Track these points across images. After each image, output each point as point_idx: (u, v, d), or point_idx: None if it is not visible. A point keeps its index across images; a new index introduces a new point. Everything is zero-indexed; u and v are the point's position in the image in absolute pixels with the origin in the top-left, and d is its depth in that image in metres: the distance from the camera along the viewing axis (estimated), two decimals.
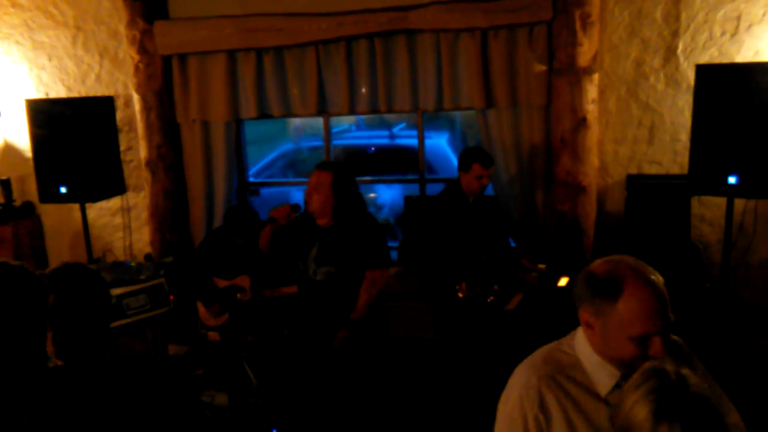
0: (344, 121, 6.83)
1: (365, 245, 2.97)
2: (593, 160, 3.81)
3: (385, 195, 6.03)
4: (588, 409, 1.46)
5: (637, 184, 3.77)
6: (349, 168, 3.17)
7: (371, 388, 3.11)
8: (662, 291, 1.41)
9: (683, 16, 3.61)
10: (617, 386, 1.45)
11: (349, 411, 3.05)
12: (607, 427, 1.35)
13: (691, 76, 3.56)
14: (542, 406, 1.47)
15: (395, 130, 6.71)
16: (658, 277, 1.43)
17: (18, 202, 4.54)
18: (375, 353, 3.09)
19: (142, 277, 3.60)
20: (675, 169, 3.82)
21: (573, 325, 3.27)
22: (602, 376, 1.48)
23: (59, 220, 4.63)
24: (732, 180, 3.09)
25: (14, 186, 4.50)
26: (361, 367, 3.04)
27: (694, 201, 3.76)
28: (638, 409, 1.15)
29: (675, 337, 1.60)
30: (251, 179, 4.77)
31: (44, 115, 3.80)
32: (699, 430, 1.09)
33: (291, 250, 3.14)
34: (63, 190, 3.82)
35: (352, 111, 4.13)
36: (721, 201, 3.44)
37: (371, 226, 3.06)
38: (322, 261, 2.97)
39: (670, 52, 3.68)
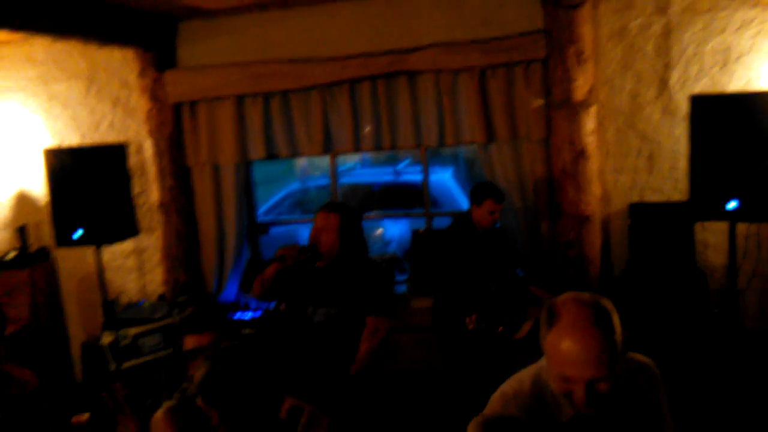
0: (350, 160, 6.98)
1: (369, 289, 2.88)
2: (595, 190, 3.89)
3: (392, 230, 6.11)
4: None
5: (640, 211, 3.83)
6: (355, 210, 3.09)
7: (378, 422, 3.06)
8: (600, 341, 1.35)
9: (674, 50, 3.73)
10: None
11: None
12: None
13: (685, 105, 3.64)
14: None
15: (400, 167, 6.85)
16: (606, 325, 1.37)
17: (33, 248, 4.65)
18: (375, 389, 2.99)
19: (157, 315, 3.66)
20: (676, 196, 3.88)
21: None
22: (564, 404, 1.46)
23: (73, 265, 4.73)
24: (732, 205, 3.13)
25: (30, 231, 4.62)
26: (363, 405, 2.93)
27: (698, 227, 3.81)
28: None
29: (644, 359, 1.62)
30: (260, 219, 4.87)
31: (60, 163, 3.93)
32: None
33: (289, 293, 3.01)
34: (79, 233, 3.91)
35: (357, 149, 4.24)
36: (724, 226, 3.49)
37: (376, 270, 3.00)
38: (322, 302, 2.87)
39: (664, 84, 3.79)
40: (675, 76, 3.75)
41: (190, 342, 1.98)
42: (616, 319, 1.40)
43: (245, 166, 4.46)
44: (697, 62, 3.70)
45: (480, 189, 3.64)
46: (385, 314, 2.92)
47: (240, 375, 1.50)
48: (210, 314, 2.07)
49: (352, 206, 3.33)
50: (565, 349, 1.36)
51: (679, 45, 3.71)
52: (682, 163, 3.79)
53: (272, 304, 4.33)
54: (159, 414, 1.71)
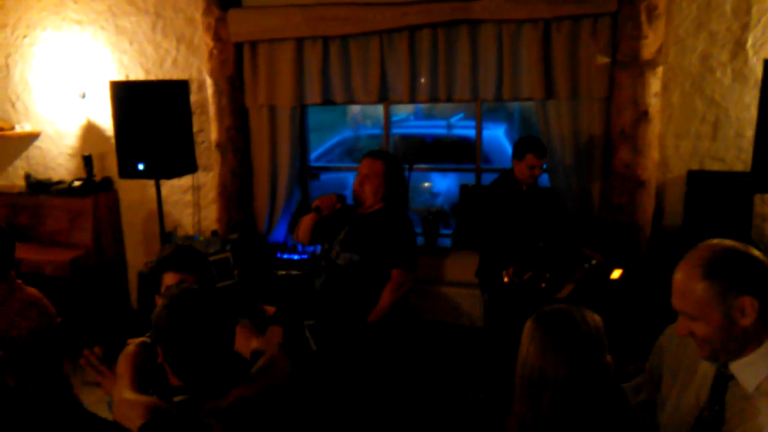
0: (402, 111, 6.95)
1: (395, 242, 2.89)
2: (653, 155, 3.80)
3: (441, 184, 6.11)
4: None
5: (699, 180, 3.73)
6: (399, 159, 3.09)
7: (408, 374, 3.09)
8: (690, 277, 1.43)
9: (754, 9, 3.54)
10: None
11: (385, 398, 3.02)
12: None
13: (759, 71, 3.47)
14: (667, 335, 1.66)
15: (453, 120, 6.78)
16: (711, 269, 1.40)
17: (98, 178, 4.87)
18: (396, 340, 3.02)
19: (210, 251, 3.81)
20: (738, 166, 3.76)
21: (623, 315, 3.31)
22: None
23: (134, 196, 4.94)
24: None
25: (95, 162, 4.83)
26: (389, 356, 2.98)
27: (757, 199, 3.69)
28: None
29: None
30: (312, 164, 4.95)
31: (125, 96, 4.06)
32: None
33: (327, 238, 3.07)
34: (141, 167, 4.07)
35: (412, 99, 4.23)
36: None
37: (407, 224, 3.00)
38: (347, 246, 2.91)
39: (739, 47, 3.62)
40: (752, 39, 3.57)
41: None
42: (732, 271, 1.38)
43: (301, 110, 4.51)
44: None
45: (521, 143, 3.59)
46: (410, 269, 2.95)
47: (184, 317, 1.52)
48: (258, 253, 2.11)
49: (399, 156, 3.31)
50: (672, 279, 1.45)
51: (761, 4, 3.52)
52: (749, 132, 3.65)
53: (318, 248, 4.46)
54: (127, 348, 1.71)
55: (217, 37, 4.33)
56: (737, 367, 1.44)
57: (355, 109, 7.10)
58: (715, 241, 1.44)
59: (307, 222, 2.99)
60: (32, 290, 2.32)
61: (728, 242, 1.43)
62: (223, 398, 1.54)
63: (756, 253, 1.41)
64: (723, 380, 1.47)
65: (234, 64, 4.39)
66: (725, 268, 1.38)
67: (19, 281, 2.32)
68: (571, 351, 1.47)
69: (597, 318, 1.56)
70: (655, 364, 1.71)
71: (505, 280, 3.41)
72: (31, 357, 2.12)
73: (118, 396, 1.55)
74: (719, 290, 1.37)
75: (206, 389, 1.55)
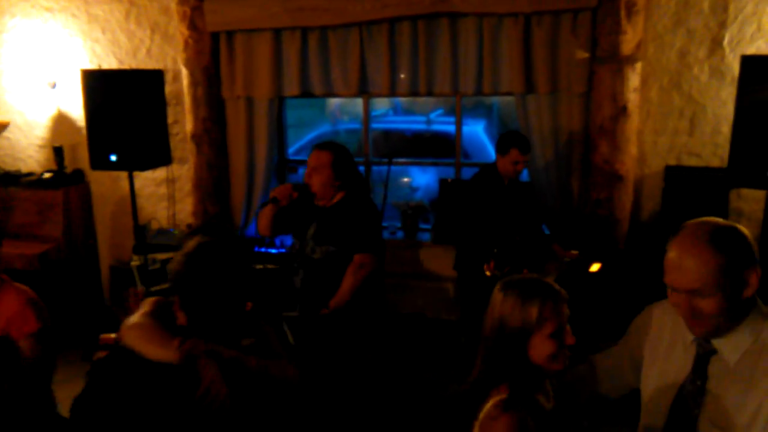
0: (381, 106, 6.91)
1: (358, 227, 2.92)
2: (632, 150, 3.81)
3: (420, 179, 6.09)
4: (680, 330, 1.52)
5: (676, 175, 3.76)
6: (346, 148, 3.05)
7: (387, 367, 3.10)
8: (698, 253, 1.42)
9: (731, 7, 3.57)
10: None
11: (361, 392, 3.05)
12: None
13: (736, 67, 3.51)
14: (647, 315, 1.66)
15: (432, 116, 6.76)
16: (717, 243, 1.40)
17: (69, 169, 4.74)
18: (377, 333, 3.08)
19: None
20: (715, 162, 3.79)
21: (602, 309, 3.32)
22: None
23: (107, 188, 4.83)
24: None
25: (66, 154, 4.70)
26: (361, 348, 3.01)
27: (733, 195, 3.74)
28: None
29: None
30: (290, 158, 4.89)
31: (97, 85, 3.96)
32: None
33: (291, 230, 3.10)
34: (113, 158, 3.97)
35: (392, 92, 4.20)
36: (760, 195, 3.41)
37: (367, 208, 3.01)
38: (321, 240, 2.93)
39: (716, 44, 3.65)
40: (728, 36, 3.61)
41: None
42: (735, 244, 1.39)
43: (279, 102, 4.45)
44: (755, 22, 3.54)
45: (506, 138, 3.59)
46: (371, 251, 2.94)
47: (203, 264, 1.54)
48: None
49: (380, 151, 3.27)
50: (668, 258, 1.42)
51: (738, 2, 3.55)
52: (725, 128, 3.69)
53: (289, 240, 4.40)
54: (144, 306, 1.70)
55: (193, 27, 4.24)
56: (720, 341, 1.44)
57: (333, 104, 7.04)
58: (703, 219, 1.43)
59: (266, 214, 2.98)
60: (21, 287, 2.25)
61: (714, 219, 1.43)
62: (227, 349, 1.54)
63: (740, 226, 1.42)
64: (706, 355, 1.47)
65: (210, 54, 4.30)
66: (728, 241, 1.37)
67: (5, 276, 2.25)
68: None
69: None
70: (634, 344, 1.70)
71: (487, 273, 3.40)
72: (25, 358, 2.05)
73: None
74: (726, 263, 1.35)
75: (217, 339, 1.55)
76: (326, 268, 2.92)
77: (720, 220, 1.43)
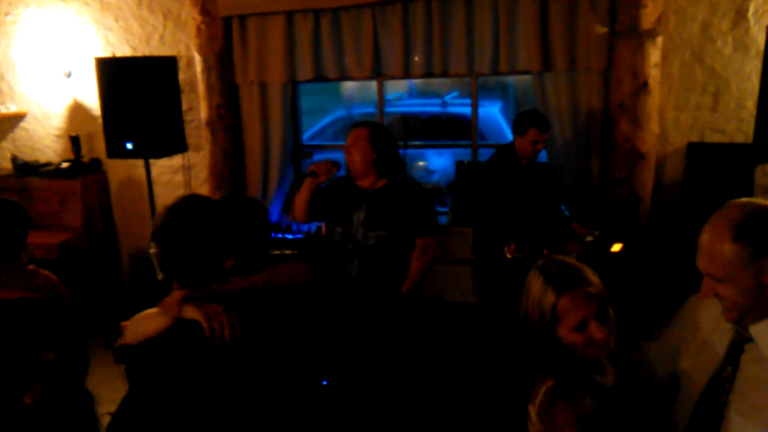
0: (396, 89, 6.85)
1: (416, 210, 2.90)
2: (653, 127, 3.73)
3: (436, 162, 6.04)
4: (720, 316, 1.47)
5: (699, 152, 3.67)
6: (384, 125, 3.07)
7: (418, 349, 3.10)
8: (719, 237, 1.38)
9: None
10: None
11: (393, 370, 3.06)
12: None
13: (761, 39, 3.41)
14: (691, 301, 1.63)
15: (447, 98, 6.69)
16: (742, 232, 1.36)
17: (86, 159, 4.76)
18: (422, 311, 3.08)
19: None
20: (739, 138, 3.70)
21: (623, 289, 3.25)
22: None
23: (124, 177, 4.84)
24: None
25: (83, 143, 4.72)
26: (410, 330, 3.02)
27: (758, 171, 3.64)
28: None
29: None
30: (305, 143, 4.86)
31: (112, 73, 3.95)
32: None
33: (328, 215, 3.04)
34: (129, 146, 3.98)
35: (407, 74, 4.14)
36: None
37: (421, 190, 2.99)
38: (373, 225, 2.88)
39: (740, 15, 3.54)
40: (753, 7, 3.49)
41: None
42: (765, 233, 1.33)
43: (293, 87, 4.41)
44: None
45: (524, 117, 3.51)
46: (434, 233, 2.96)
47: (180, 215, 1.58)
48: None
49: (394, 134, 3.25)
50: (698, 240, 1.41)
51: None
52: (750, 103, 3.59)
53: (314, 227, 4.38)
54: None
55: (205, 12, 4.21)
56: (757, 330, 1.39)
57: (348, 89, 6.99)
58: (744, 200, 1.38)
59: (303, 194, 2.92)
60: (46, 273, 2.28)
61: (757, 201, 1.37)
62: (225, 284, 1.58)
63: None
64: (740, 342, 1.43)
65: (223, 39, 4.27)
66: (755, 229, 1.32)
67: (32, 266, 2.27)
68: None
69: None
70: (677, 330, 1.67)
71: (508, 256, 3.36)
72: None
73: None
74: (749, 252, 1.31)
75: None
76: (382, 253, 2.89)
77: (762, 202, 1.36)
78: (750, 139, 3.45)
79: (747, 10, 3.52)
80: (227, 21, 4.26)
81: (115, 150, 4.05)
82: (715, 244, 1.35)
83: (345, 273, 2.95)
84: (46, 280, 2.31)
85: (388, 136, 2.95)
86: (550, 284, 1.46)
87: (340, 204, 2.97)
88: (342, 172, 3.07)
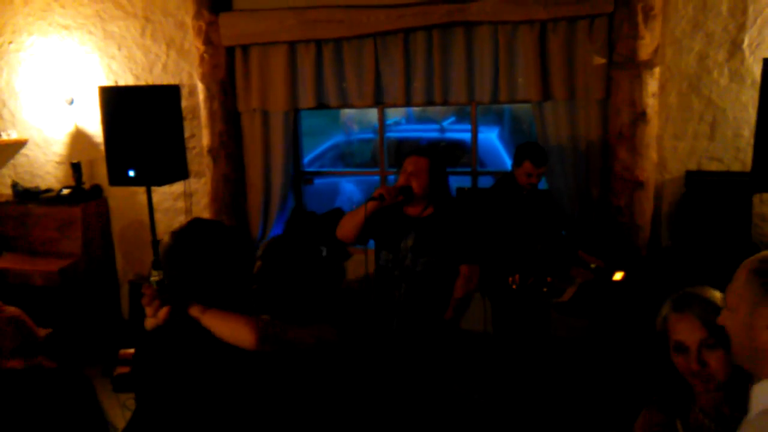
0: (394, 114, 6.91)
1: (462, 238, 2.96)
2: (652, 155, 3.77)
3: None
4: None
5: (697, 180, 3.71)
6: (441, 155, 3.15)
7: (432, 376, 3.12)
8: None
9: (750, 10, 3.53)
10: None
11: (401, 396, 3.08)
12: None
13: (756, 71, 3.48)
14: None
15: (445, 123, 6.75)
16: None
17: (87, 185, 4.77)
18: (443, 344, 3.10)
19: None
20: (736, 166, 3.74)
21: (626, 318, 3.22)
22: None
23: (125, 203, 4.85)
24: None
25: (84, 169, 4.73)
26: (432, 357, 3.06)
27: (756, 199, 3.68)
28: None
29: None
30: (305, 169, 4.89)
31: (115, 101, 3.98)
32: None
33: (378, 238, 3.07)
34: (131, 173, 3.99)
35: (407, 102, 4.18)
36: None
37: (467, 219, 3.05)
38: (422, 252, 2.93)
39: (735, 47, 3.61)
40: (748, 39, 3.57)
41: None
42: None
43: (294, 114, 4.45)
44: None
45: (521, 150, 3.55)
46: (478, 262, 3.02)
47: (188, 239, 1.65)
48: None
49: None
50: None
51: (756, 5, 3.51)
52: (746, 132, 3.64)
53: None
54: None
55: (208, 41, 4.26)
56: (756, 389, 1.29)
57: (346, 112, 7.05)
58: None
59: (363, 213, 2.90)
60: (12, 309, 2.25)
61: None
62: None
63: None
64: None
65: (225, 68, 4.32)
66: None
67: None
68: None
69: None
70: None
71: (513, 287, 3.37)
72: None
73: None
74: (756, 289, 1.26)
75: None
76: (428, 280, 2.95)
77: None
78: (747, 168, 3.50)
79: (742, 42, 3.59)
80: (230, 50, 4.31)
81: (118, 177, 4.06)
82: (737, 272, 1.31)
83: (392, 297, 3.00)
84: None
85: (443, 167, 3.04)
86: (671, 300, 1.53)
87: (388, 229, 3.02)
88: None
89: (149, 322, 1.63)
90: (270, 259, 1.94)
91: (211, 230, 1.70)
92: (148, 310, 1.63)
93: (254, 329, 1.56)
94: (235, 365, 1.59)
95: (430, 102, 4.14)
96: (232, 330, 1.57)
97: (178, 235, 1.67)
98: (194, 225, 1.70)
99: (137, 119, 3.94)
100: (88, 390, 2.12)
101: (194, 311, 1.61)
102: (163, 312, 1.59)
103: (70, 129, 4.83)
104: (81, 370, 2.31)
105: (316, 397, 1.82)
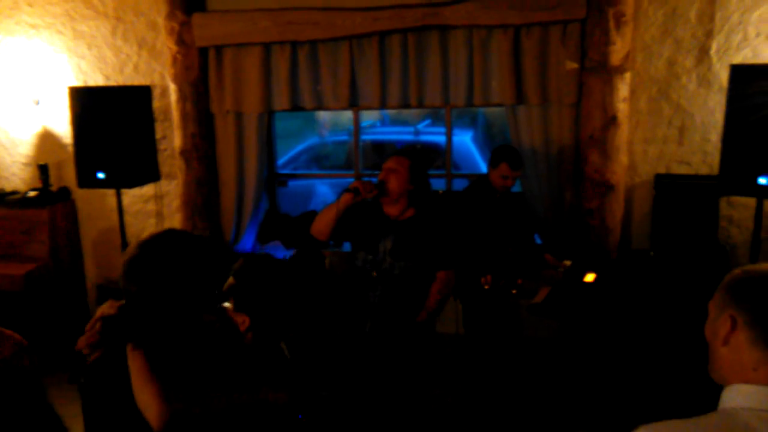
0: (369, 117, 6.91)
1: (440, 244, 2.97)
2: (622, 159, 3.84)
3: None
4: None
5: (666, 183, 3.79)
6: (422, 159, 3.15)
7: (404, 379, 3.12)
8: None
9: (718, 17, 3.62)
10: None
11: (375, 400, 3.08)
12: None
13: (723, 76, 3.57)
14: None
15: (420, 126, 6.77)
16: None
17: (55, 187, 4.66)
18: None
19: None
20: (704, 170, 3.83)
21: (597, 319, 3.26)
22: None
23: (93, 206, 4.75)
24: (762, 181, 3.08)
25: (51, 171, 4.62)
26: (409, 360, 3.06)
27: (723, 202, 3.77)
28: None
29: None
30: (279, 171, 4.85)
31: (84, 102, 3.91)
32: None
33: (355, 239, 3.05)
34: (100, 176, 3.92)
35: (383, 105, 4.19)
36: (750, 202, 3.45)
37: (446, 224, 3.05)
38: (400, 255, 2.93)
39: (703, 53, 3.69)
40: (716, 45, 3.66)
41: None
42: (740, 287, 1.20)
43: (268, 116, 4.42)
44: (741, 31, 3.59)
45: (498, 152, 3.59)
46: (455, 267, 3.03)
47: (153, 249, 1.59)
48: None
49: (368, 162, 3.29)
50: None
51: (724, 12, 3.60)
52: (714, 136, 3.73)
53: (288, 254, 4.35)
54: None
55: (181, 42, 4.20)
56: (723, 395, 1.21)
57: (321, 114, 7.03)
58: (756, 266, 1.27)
59: (337, 208, 2.89)
60: None
61: (759, 267, 1.24)
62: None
63: None
64: None
65: (198, 69, 4.26)
66: (737, 281, 1.22)
67: None
68: None
69: None
70: None
71: (486, 287, 3.39)
72: None
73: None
74: (721, 298, 1.23)
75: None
76: (405, 283, 2.94)
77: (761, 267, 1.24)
78: (714, 171, 3.58)
79: (710, 48, 3.68)
80: (203, 51, 4.25)
81: (86, 180, 3.99)
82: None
83: (366, 299, 2.99)
84: None
85: (425, 171, 3.04)
86: None
87: (366, 230, 3.00)
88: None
89: (85, 352, 1.61)
90: (244, 279, 1.86)
91: (181, 242, 1.62)
92: (84, 349, 1.61)
93: (159, 413, 1.50)
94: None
95: (405, 105, 4.15)
96: (141, 396, 1.53)
97: (144, 245, 1.60)
98: (163, 235, 1.64)
99: (107, 120, 3.88)
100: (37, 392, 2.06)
101: (128, 348, 1.56)
102: (95, 355, 1.58)
103: (37, 130, 4.71)
104: (41, 374, 2.24)
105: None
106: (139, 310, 1.58)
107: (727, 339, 1.16)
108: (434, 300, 2.97)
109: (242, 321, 1.82)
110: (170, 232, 1.69)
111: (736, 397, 1.12)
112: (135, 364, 1.54)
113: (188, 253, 1.61)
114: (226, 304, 1.89)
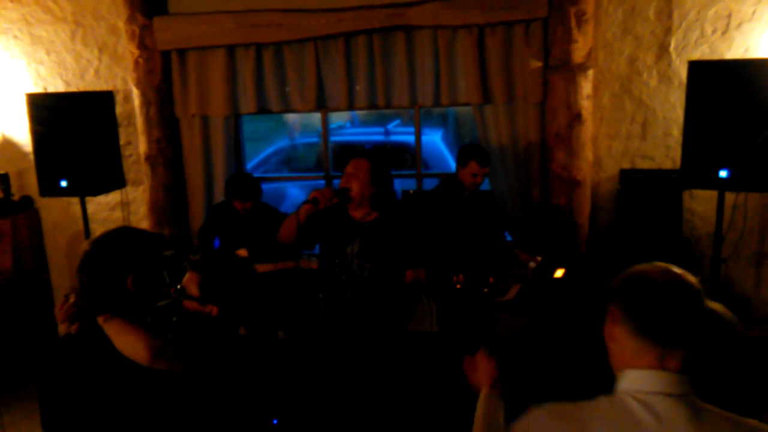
0: (339, 119, 6.89)
1: (407, 243, 2.95)
2: (588, 155, 3.89)
3: None
4: None
5: (630, 178, 3.85)
6: (384, 158, 3.12)
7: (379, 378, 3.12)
8: None
9: (675, 14, 3.70)
10: None
11: (351, 400, 3.07)
12: None
13: (683, 72, 3.64)
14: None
15: (390, 126, 6.78)
16: None
17: (16, 197, 4.55)
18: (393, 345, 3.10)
19: None
20: (667, 164, 3.90)
21: (568, 313, 3.29)
22: None
23: (58, 215, 4.64)
24: (723, 174, 3.16)
25: (12, 180, 4.50)
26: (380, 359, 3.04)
27: (686, 195, 3.85)
28: None
29: None
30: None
31: (44, 109, 3.81)
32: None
33: (322, 243, 3.05)
34: (63, 184, 3.83)
35: (350, 106, 4.18)
36: (712, 195, 3.52)
37: (411, 223, 3.04)
38: (368, 257, 2.92)
39: (663, 49, 3.76)
40: (674, 42, 3.73)
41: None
42: (624, 287, 1.29)
43: (235, 120, 4.37)
44: (698, 28, 3.67)
45: (465, 150, 3.61)
46: (424, 265, 3.00)
47: (103, 251, 1.66)
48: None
49: (379, 156, 3.27)
50: None
51: (681, 9, 3.68)
52: (675, 131, 3.81)
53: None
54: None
55: (143, 46, 4.13)
56: (619, 382, 1.29)
57: (291, 116, 6.99)
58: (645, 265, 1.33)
59: (298, 218, 2.87)
60: None
61: (642, 267, 1.31)
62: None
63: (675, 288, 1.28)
64: None
65: (162, 73, 4.20)
66: (619, 281, 1.30)
67: None
68: None
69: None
70: None
71: (458, 286, 3.40)
72: None
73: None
74: (610, 296, 1.30)
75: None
76: (375, 285, 2.92)
77: (643, 267, 1.31)
78: (677, 165, 3.66)
79: (669, 45, 3.75)
80: (166, 55, 4.19)
81: (49, 188, 3.90)
82: None
83: (339, 302, 2.97)
84: None
85: (387, 170, 3.00)
86: None
87: (333, 233, 2.98)
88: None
89: (61, 329, 1.68)
90: (207, 271, 1.94)
91: (130, 238, 1.70)
92: (61, 324, 1.67)
93: (148, 346, 1.57)
94: (132, 377, 1.59)
95: (373, 105, 4.15)
96: (128, 343, 1.59)
97: (96, 241, 1.69)
98: (114, 233, 1.72)
99: (68, 127, 3.80)
100: None
101: (100, 319, 1.62)
102: (74, 326, 1.66)
103: None
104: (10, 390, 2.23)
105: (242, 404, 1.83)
106: (100, 290, 1.64)
107: (612, 332, 1.29)
108: (410, 278, 2.94)
109: (209, 310, 1.96)
110: (123, 229, 1.77)
111: (623, 381, 1.25)
112: (114, 325, 1.60)
113: (136, 245, 1.68)
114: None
